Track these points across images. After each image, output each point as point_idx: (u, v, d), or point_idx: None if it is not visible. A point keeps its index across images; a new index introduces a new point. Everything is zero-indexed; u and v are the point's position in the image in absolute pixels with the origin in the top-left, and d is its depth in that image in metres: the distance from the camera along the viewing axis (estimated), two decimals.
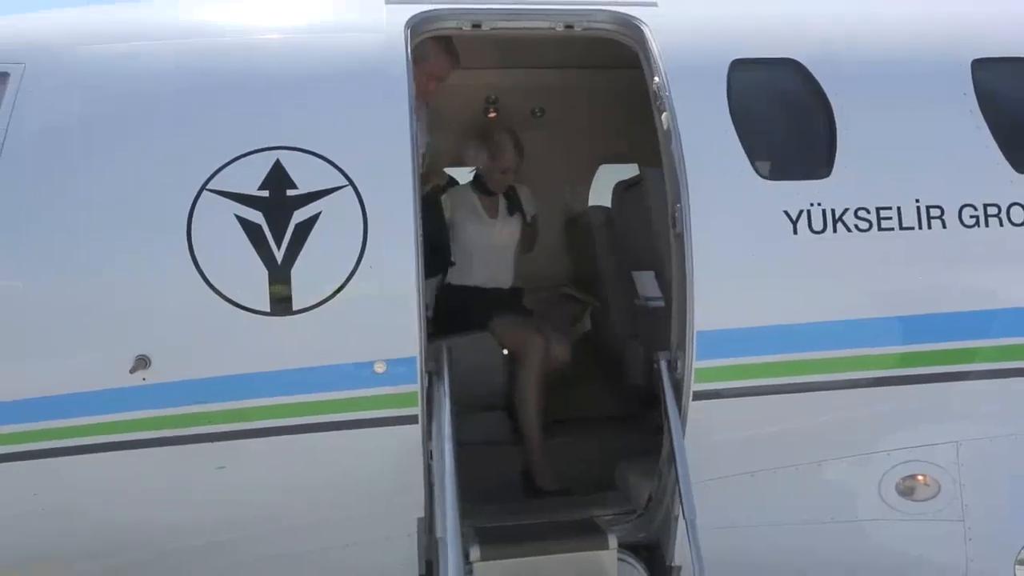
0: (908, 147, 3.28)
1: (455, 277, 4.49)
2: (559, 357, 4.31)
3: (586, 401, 4.71)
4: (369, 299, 2.93)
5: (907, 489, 3.34)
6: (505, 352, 4.33)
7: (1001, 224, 3.23)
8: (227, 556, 3.20)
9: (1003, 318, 3.27)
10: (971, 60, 3.43)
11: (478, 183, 4.66)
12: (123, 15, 3.41)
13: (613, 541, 3.31)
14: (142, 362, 2.80)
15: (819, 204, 3.14)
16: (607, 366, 4.62)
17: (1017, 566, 3.28)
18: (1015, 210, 3.25)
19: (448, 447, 2.80)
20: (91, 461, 2.88)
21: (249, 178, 2.88)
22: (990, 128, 3.32)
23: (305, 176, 2.91)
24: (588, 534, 3.40)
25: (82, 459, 2.87)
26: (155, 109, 3.01)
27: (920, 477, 3.33)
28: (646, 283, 3.81)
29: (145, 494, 2.98)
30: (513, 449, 4.29)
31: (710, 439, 3.20)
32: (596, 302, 4.78)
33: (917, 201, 3.19)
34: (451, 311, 4.37)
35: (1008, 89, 3.49)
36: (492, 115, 5.20)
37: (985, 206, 3.23)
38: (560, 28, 3.49)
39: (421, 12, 3.31)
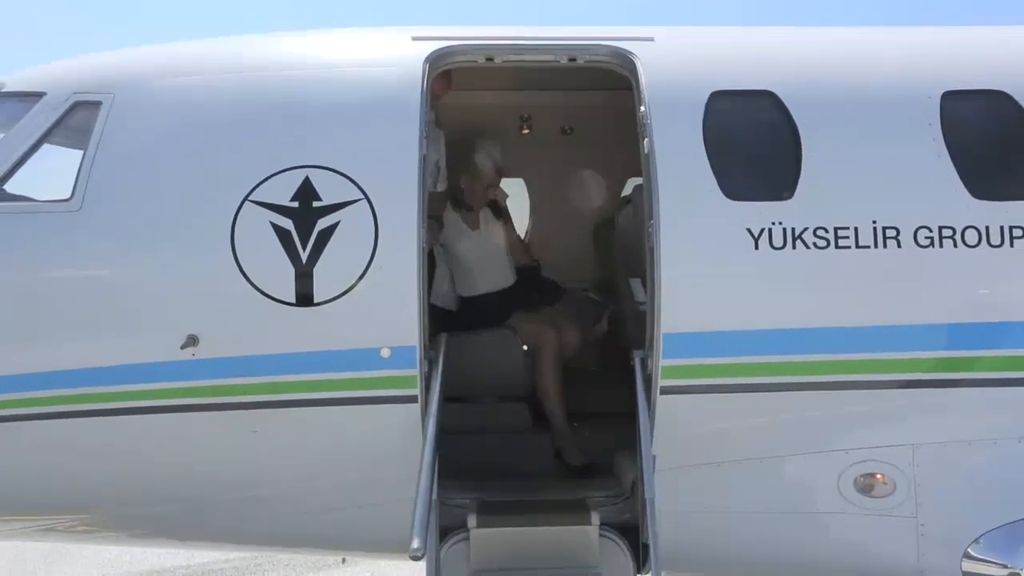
0: (870, 173, 3.57)
1: (464, 291, 4.82)
2: (572, 345, 4.67)
3: (600, 397, 5.09)
4: (378, 295, 3.41)
5: (865, 486, 3.61)
6: (525, 348, 4.78)
7: (955, 245, 3.48)
8: (264, 508, 3.77)
9: (955, 332, 3.52)
10: (942, 92, 3.69)
11: (455, 201, 4.84)
12: (193, 52, 4.01)
13: (596, 519, 3.67)
14: (192, 340, 3.38)
15: (780, 223, 3.47)
16: (621, 365, 5.02)
17: (964, 560, 3.52)
18: (969, 233, 3.50)
19: (431, 423, 3.26)
20: (152, 420, 3.47)
21: (283, 191, 3.43)
22: (952, 157, 3.57)
23: (328, 191, 3.43)
24: (576, 512, 3.76)
25: (145, 418, 3.46)
26: (213, 133, 3.61)
27: (878, 475, 3.61)
28: (638, 289, 4.20)
29: (194, 450, 3.56)
30: (530, 435, 4.70)
31: (678, 431, 3.56)
32: (612, 305, 5.18)
33: (874, 222, 3.48)
34: (473, 318, 4.80)
35: (974, 120, 3.73)
36: (526, 132, 5.67)
37: (940, 228, 3.49)
38: (564, 60, 3.93)
39: (439, 48, 3.81)
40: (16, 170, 3.65)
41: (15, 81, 3.89)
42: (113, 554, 7.20)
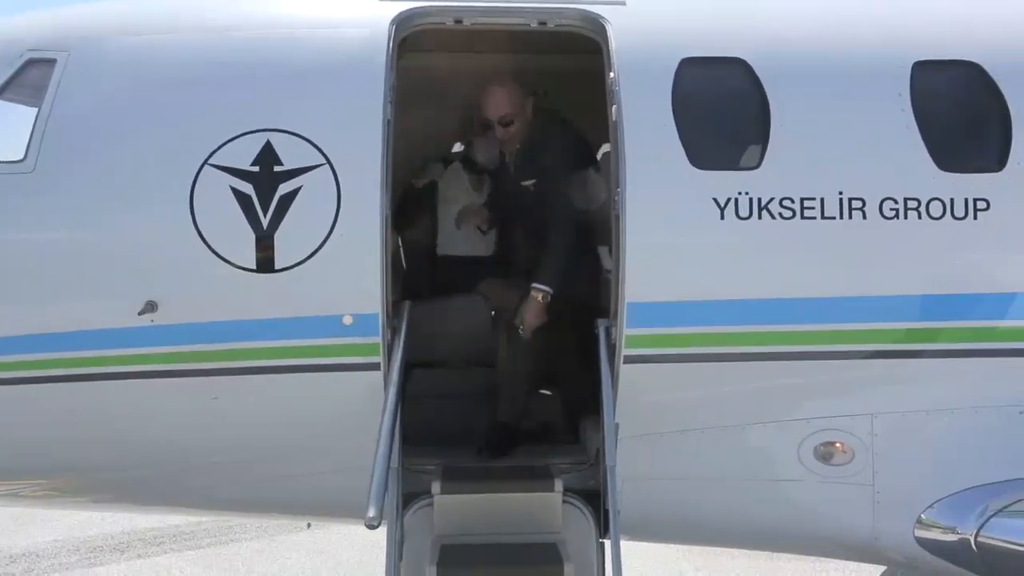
0: (837, 143, 3.55)
1: (444, 248, 4.85)
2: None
3: (576, 364, 5.11)
4: (340, 262, 3.37)
5: (825, 454, 3.66)
6: (493, 314, 4.77)
7: (920, 217, 3.49)
8: (226, 474, 3.76)
9: (917, 304, 3.55)
10: (913, 62, 3.66)
11: (466, 161, 4.91)
12: (153, 9, 3.89)
13: (559, 485, 3.70)
14: (150, 306, 3.33)
15: (746, 193, 3.45)
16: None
17: (916, 526, 3.60)
18: (934, 205, 3.50)
19: (392, 392, 3.25)
20: (112, 386, 3.43)
21: (243, 155, 3.36)
22: (920, 127, 3.55)
23: (290, 155, 3.37)
24: (540, 478, 3.78)
25: (105, 384, 3.43)
26: (172, 94, 3.51)
27: (838, 444, 3.66)
28: (606, 257, 4.19)
29: (154, 417, 3.52)
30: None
31: (642, 399, 3.58)
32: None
33: (840, 193, 3.47)
34: (443, 279, 4.80)
35: (944, 91, 3.71)
36: None
37: (906, 200, 3.49)
38: (534, 24, 3.85)
39: (406, 9, 3.72)
40: None
41: None
42: (84, 517, 7.22)
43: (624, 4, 3.85)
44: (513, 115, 4.17)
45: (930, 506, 3.57)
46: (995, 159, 3.61)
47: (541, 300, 3.97)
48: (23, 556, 6.70)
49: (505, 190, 4.48)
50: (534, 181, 4.20)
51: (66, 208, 3.42)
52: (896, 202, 3.49)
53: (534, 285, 3.96)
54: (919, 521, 3.58)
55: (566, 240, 4.02)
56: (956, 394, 3.63)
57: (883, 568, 4.95)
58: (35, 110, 3.51)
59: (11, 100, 3.70)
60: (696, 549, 6.24)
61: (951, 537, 3.53)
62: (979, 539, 3.47)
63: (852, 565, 4.45)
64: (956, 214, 3.51)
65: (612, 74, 3.59)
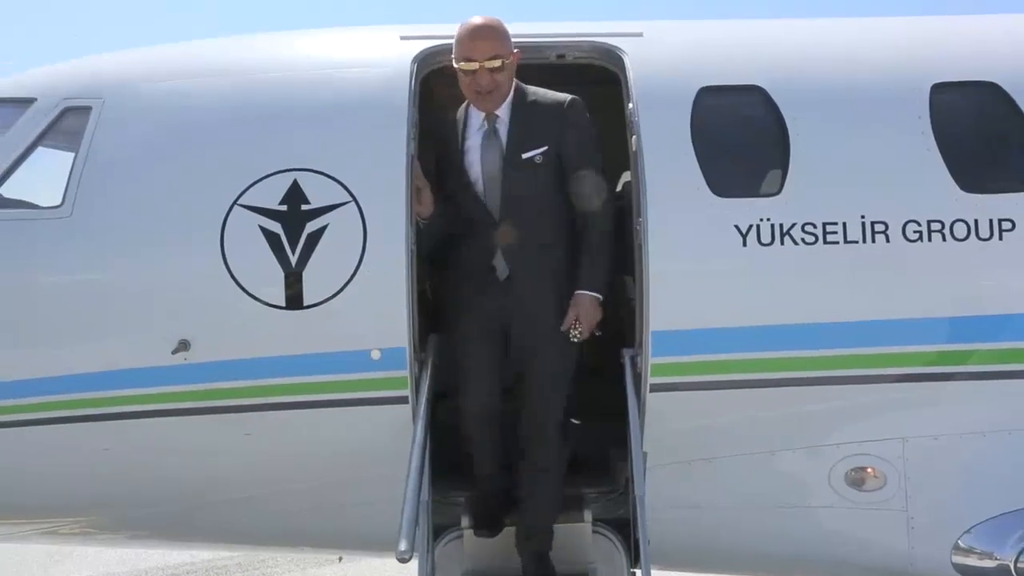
0: (858, 167, 3.55)
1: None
2: None
3: (610, 394, 5.10)
4: (367, 297, 3.42)
5: (856, 480, 3.63)
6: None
7: (944, 239, 3.48)
8: (259, 508, 3.80)
9: (944, 326, 3.52)
10: (931, 84, 3.67)
11: None
12: (181, 55, 4.02)
13: (588, 515, 3.69)
14: (183, 345, 3.40)
15: (768, 219, 3.46)
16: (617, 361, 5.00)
17: (953, 552, 3.54)
18: (958, 226, 3.49)
19: (420, 424, 3.27)
20: (147, 424, 3.49)
21: (271, 195, 3.43)
22: (940, 149, 3.55)
23: (317, 193, 3.43)
24: (570, 508, 3.75)
25: (140, 422, 3.49)
26: (201, 137, 3.61)
27: (869, 469, 3.62)
28: (630, 286, 4.21)
29: (189, 453, 3.58)
30: None
31: (669, 427, 3.57)
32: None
33: (863, 217, 3.47)
34: None
35: (963, 112, 3.72)
36: None
37: (929, 222, 3.48)
38: (553, 58, 3.92)
39: (427, 48, 3.81)
40: (8, 176, 3.67)
41: (6, 87, 3.91)
42: (118, 553, 7.27)
43: (641, 35, 3.91)
44: (504, 57, 3.28)
45: (967, 531, 3.52)
46: (1018, 179, 3.61)
47: (592, 299, 3.38)
48: None
49: (498, 168, 3.41)
50: (544, 149, 3.35)
51: (102, 251, 3.51)
52: (919, 225, 3.48)
53: (580, 292, 3.36)
54: (956, 547, 3.52)
55: (606, 228, 3.40)
56: (988, 416, 3.59)
57: None
58: (72, 156, 3.63)
59: (50, 147, 3.83)
60: None
61: (989, 563, 3.48)
62: (1019, 565, 3.41)
63: None
64: (981, 235, 3.50)
65: (631, 105, 3.64)
